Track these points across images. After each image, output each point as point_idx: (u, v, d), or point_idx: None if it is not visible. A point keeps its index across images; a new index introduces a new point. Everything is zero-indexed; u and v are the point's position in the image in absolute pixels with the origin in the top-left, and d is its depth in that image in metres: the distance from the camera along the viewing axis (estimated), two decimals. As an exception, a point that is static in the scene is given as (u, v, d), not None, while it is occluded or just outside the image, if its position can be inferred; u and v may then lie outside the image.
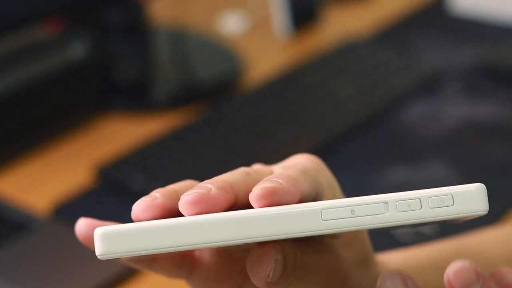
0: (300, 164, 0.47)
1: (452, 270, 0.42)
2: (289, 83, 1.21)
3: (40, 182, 1.02)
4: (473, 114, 1.13)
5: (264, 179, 0.43)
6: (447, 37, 1.35)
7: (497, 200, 0.95)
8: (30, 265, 0.89)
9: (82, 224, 0.49)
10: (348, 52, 1.29)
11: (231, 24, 1.40)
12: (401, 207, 0.42)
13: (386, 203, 0.42)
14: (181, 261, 0.50)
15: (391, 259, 0.56)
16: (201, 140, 1.08)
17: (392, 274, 0.43)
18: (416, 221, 0.42)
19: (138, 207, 0.43)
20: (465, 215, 0.42)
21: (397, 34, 1.37)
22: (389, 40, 1.35)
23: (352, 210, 0.42)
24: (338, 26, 1.40)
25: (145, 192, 1.04)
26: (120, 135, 1.11)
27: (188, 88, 1.25)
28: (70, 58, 1.13)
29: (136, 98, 1.21)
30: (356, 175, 1.01)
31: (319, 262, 0.47)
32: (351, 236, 0.50)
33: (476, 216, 0.43)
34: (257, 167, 0.48)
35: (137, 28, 1.29)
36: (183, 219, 0.42)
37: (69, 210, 0.97)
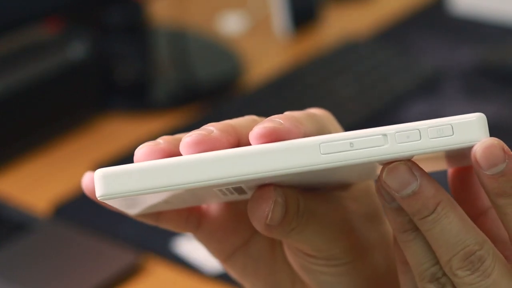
0: (310, 110, 0.47)
1: (480, 147, 0.41)
2: (289, 83, 1.21)
3: (40, 182, 1.02)
4: (473, 114, 1.13)
5: (267, 118, 0.43)
6: (447, 37, 1.35)
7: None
8: (30, 265, 0.89)
9: (88, 179, 0.49)
10: (348, 52, 1.29)
11: (231, 24, 1.40)
12: (400, 139, 0.41)
13: (385, 135, 0.41)
14: (187, 215, 0.49)
15: None
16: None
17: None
18: (416, 152, 0.42)
19: (141, 151, 0.43)
20: (466, 144, 0.42)
21: (397, 34, 1.37)
22: (389, 40, 1.35)
23: (351, 143, 0.41)
24: (338, 26, 1.40)
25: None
26: (120, 135, 1.11)
27: (188, 88, 1.25)
28: (70, 58, 1.13)
29: (136, 98, 1.21)
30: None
31: (324, 212, 0.47)
32: (360, 190, 0.49)
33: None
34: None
35: (137, 28, 1.29)
36: (182, 157, 0.41)
37: (69, 210, 0.97)
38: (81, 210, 0.96)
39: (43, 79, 1.09)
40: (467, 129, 0.41)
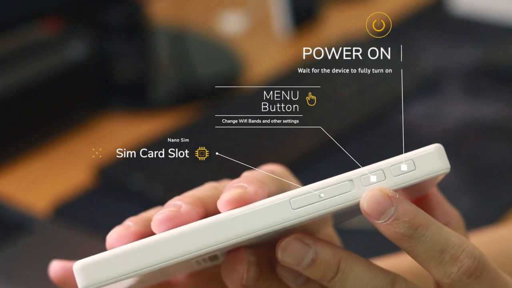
0: (266, 168, 0.48)
1: (364, 200, 0.43)
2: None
3: (40, 182, 1.02)
4: (473, 114, 1.13)
5: (230, 183, 0.44)
6: (447, 37, 1.35)
7: (497, 200, 0.95)
8: (30, 265, 0.89)
9: (57, 268, 0.50)
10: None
11: (231, 24, 1.40)
12: (366, 182, 0.43)
13: (351, 180, 0.44)
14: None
15: None
16: (201, 140, 1.08)
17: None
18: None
19: (112, 237, 0.44)
20: (428, 176, 0.43)
21: (397, 33, 1.37)
22: (389, 40, 1.34)
23: (319, 194, 0.43)
24: (338, 26, 1.40)
25: (145, 192, 1.04)
26: (119, 135, 1.11)
27: (188, 87, 1.25)
28: (69, 58, 1.13)
29: (135, 98, 1.21)
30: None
31: None
32: (326, 238, 0.50)
33: (439, 175, 0.44)
34: (225, 182, 0.49)
35: (137, 28, 1.29)
36: (154, 237, 0.42)
37: (69, 210, 0.97)
38: (81, 210, 0.96)
39: (43, 79, 1.09)
40: (428, 161, 0.44)
